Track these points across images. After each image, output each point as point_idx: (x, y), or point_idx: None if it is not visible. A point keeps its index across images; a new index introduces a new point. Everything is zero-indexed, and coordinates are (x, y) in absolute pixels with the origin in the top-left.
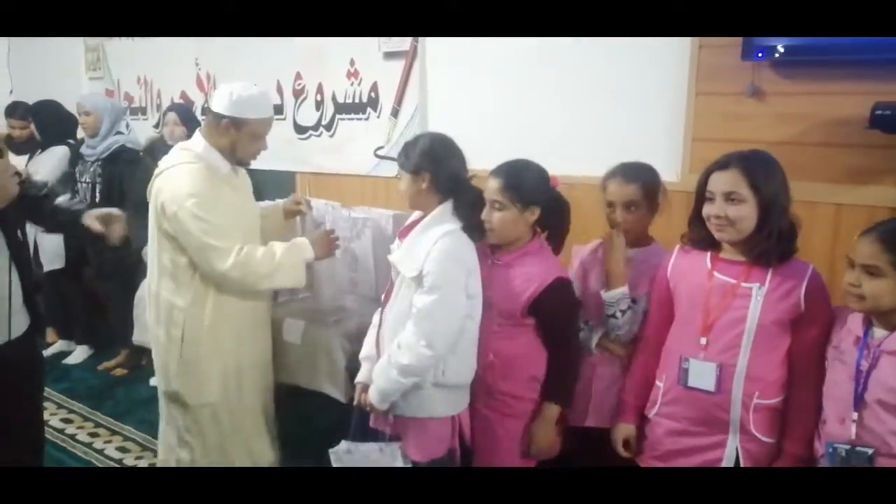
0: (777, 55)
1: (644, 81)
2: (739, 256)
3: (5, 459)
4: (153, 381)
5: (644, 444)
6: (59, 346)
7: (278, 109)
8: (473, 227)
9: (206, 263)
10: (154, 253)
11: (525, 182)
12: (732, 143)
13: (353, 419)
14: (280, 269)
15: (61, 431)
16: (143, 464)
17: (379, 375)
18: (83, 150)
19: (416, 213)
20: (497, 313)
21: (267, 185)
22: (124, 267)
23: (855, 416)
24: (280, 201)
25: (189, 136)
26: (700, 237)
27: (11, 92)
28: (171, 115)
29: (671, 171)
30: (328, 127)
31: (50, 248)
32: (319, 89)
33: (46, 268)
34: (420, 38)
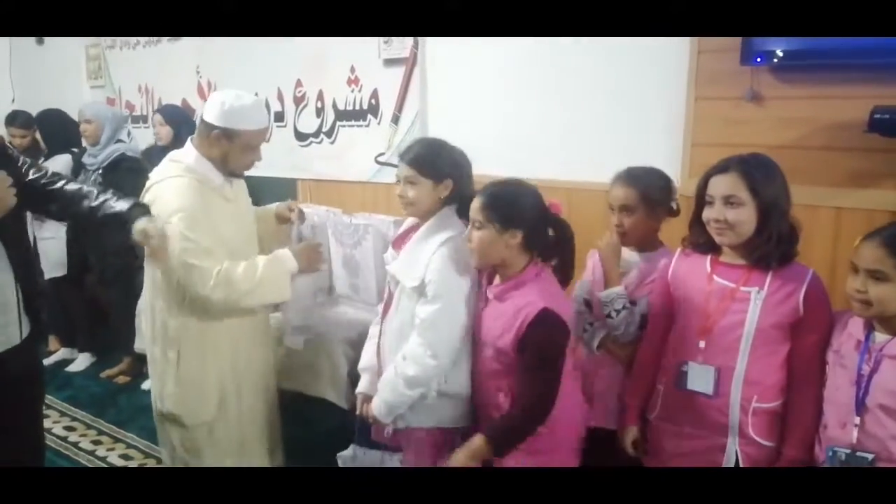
0: (776, 59)
1: (644, 86)
2: (739, 260)
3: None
4: (145, 385)
5: (647, 446)
6: (61, 353)
7: (279, 116)
8: None
9: (190, 285)
10: (148, 269)
11: (505, 202)
12: (732, 147)
13: (357, 426)
14: (262, 283)
15: (64, 439)
16: None
17: (385, 388)
18: (85, 158)
19: (410, 221)
20: (495, 351)
21: (268, 192)
22: (126, 274)
23: (857, 420)
24: (274, 205)
25: (175, 135)
26: (700, 241)
27: (13, 100)
28: (157, 117)
29: (671, 175)
30: (329, 134)
31: (52, 256)
32: (320, 96)
33: (48, 275)
34: (420, 45)
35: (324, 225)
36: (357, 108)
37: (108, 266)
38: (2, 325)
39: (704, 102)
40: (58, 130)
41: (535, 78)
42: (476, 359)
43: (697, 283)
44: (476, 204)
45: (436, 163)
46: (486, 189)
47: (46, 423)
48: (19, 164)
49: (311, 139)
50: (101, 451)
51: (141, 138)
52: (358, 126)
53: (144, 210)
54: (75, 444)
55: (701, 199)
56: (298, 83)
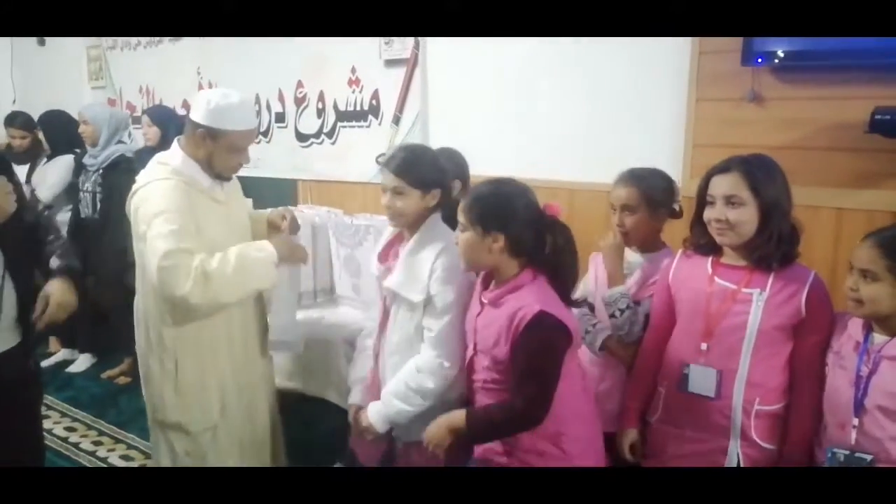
0: (777, 60)
1: (645, 87)
2: (741, 261)
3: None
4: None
5: (646, 449)
6: (62, 354)
7: (280, 117)
8: None
9: (167, 287)
10: (140, 275)
11: (487, 204)
12: (733, 148)
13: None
14: (239, 271)
15: (65, 440)
16: None
17: (394, 401)
18: (85, 159)
19: (391, 230)
20: (491, 361)
21: (269, 193)
22: (127, 275)
23: (855, 421)
24: (269, 211)
25: (163, 136)
26: (701, 242)
27: (14, 101)
28: (144, 118)
29: (673, 176)
30: (330, 134)
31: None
32: (321, 97)
33: None
34: (421, 46)
35: (325, 225)
36: (358, 108)
37: (109, 267)
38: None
39: (705, 103)
40: (61, 131)
41: (535, 79)
42: (471, 369)
43: (698, 285)
44: (461, 205)
45: (424, 172)
46: (473, 189)
47: (47, 424)
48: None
49: (312, 140)
50: (101, 452)
51: (141, 139)
52: (359, 127)
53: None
54: (76, 445)
55: (702, 200)
56: (299, 84)
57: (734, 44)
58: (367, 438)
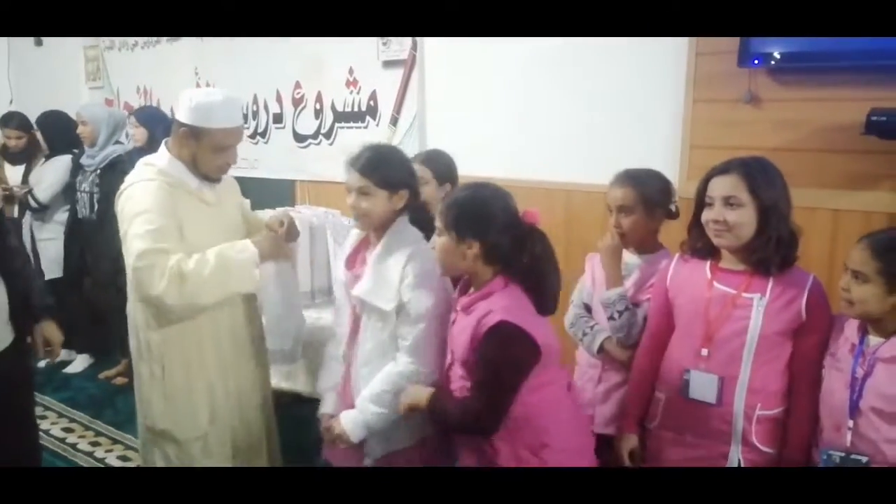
0: (773, 62)
1: (642, 89)
2: (739, 265)
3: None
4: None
5: (645, 454)
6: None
7: (277, 118)
8: (431, 233)
9: (142, 288)
10: (130, 280)
11: (462, 209)
12: (730, 149)
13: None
14: (217, 272)
15: (62, 441)
16: None
17: (372, 407)
18: (83, 160)
19: (356, 235)
20: (463, 370)
21: (267, 193)
22: (124, 275)
23: (850, 423)
24: (268, 213)
25: (151, 137)
26: (698, 245)
27: (11, 101)
28: (131, 119)
29: (669, 177)
30: (327, 135)
31: (50, 257)
32: (319, 98)
33: (47, 276)
34: (418, 47)
35: (322, 226)
36: (356, 109)
37: (106, 268)
38: None
39: (702, 105)
40: (60, 132)
41: (533, 80)
42: (448, 379)
43: (697, 290)
44: (439, 208)
45: (391, 172)
46: (451, 194)
47: (45, 425)
48: None
49: (310, 140)
50: (99, 453)
51: None
52: (357, 128)
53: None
54: (73, 446)
55: (700, 202)
56: (297, 85)
57: (731, 45)
58: (339, 447)
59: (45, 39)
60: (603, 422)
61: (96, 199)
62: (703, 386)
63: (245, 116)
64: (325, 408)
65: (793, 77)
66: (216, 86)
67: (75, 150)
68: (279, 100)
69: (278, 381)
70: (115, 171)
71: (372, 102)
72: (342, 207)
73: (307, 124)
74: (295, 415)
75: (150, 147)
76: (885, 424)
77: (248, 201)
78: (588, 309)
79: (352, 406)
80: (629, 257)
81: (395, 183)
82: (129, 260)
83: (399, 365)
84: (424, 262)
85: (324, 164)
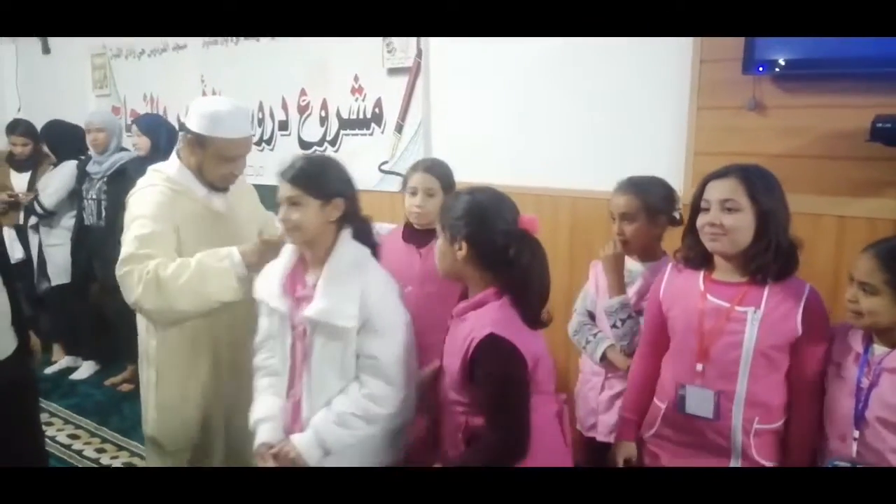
0: (778, 69)
1: (646, 96)
2: (734, 277)
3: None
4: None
5: (641, 464)
6: (65, 361)
7: (283, 125)
8: (377, 249)
9: (124, 292)
10: None
11: (454, 211)
12: (734, 156)
13: None
14: (196, 279)
15: (68, 447)
16: None
17: (335, 428)
18: (90, 167)
19: (291, 253)
20: (450, 378)
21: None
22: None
23: (856, 434)
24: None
25: (154, 145)
26: (692, 254)
27: (19, 109)
28: (133, 128)
29: (673, 184)
30: (333, 142)
31: (58, 263)
32: (324, 105)
33: (54, 282)
34: (423, 55)
35: None
36: (361, 116)
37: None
38: None
39: (706, 112)
40: (65, 140)
41: (537, 88)
42: (438, 388)
43: (690, 302)
44: (438, 210)
45: (322, 179)
46: (448, 197)
47: (51, 432)
48: None
49: (315, 148)
50: (105, 459)
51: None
52: (362, 135)
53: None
54: (79, 452)
55: (696, 208)
56: (302, 92)
57: (735, 52)
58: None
59: (53, 47)
60: (606, 430)
61: (104, 206)
62: (699, 401)
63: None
64: (262, 437)
65: (797, 84)
66: (222, 93)
67: (81, 157)
68: (284, 107)
69: None
70: (123, 178)
71: (377, 110)
72: None
73: (312, 131)
74: None
75: (154, 155)
76: (891, 434)
77: (271, 213)
78: (592, 317)
79: (298, 431)
80: (632, 265)
81: (328, 191)
82: (117, 265)
83: (368, 387)
84: (384, 276)
85: None
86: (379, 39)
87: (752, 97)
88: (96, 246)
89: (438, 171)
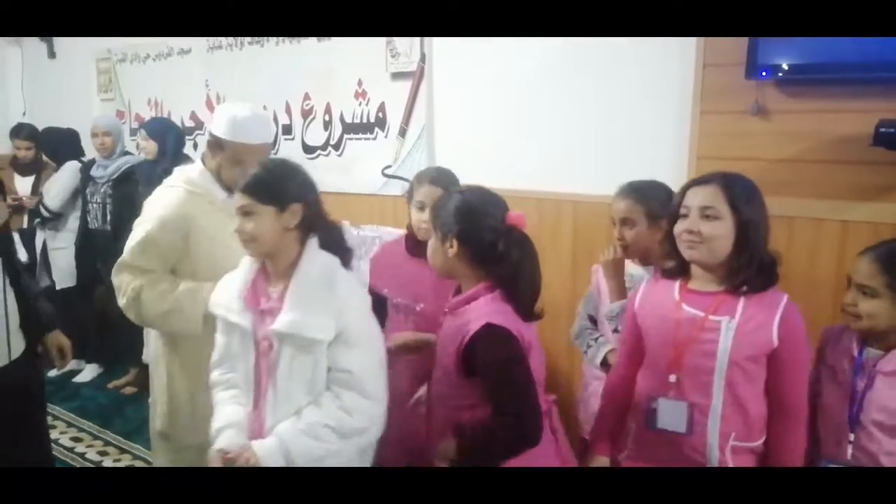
0: (781, 74)
1: (649, 101)
2: (710, 286)
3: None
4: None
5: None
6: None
7: (287, 129)
8: (348, 258)
9: (117, 297)
10: None
11: (444, 210)
12: (738, 161)
13: None
14: (172, 312)
15: (71, 450)
16: None
17: (303, 438)
18: (94, 171)
19: (249, 264)
20: (443, 371)
21: None
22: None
23: (851, 437)
24: None
25: (160, 149)
26: (669, 264)
27: (25, 113)
28: (141, 132)
29: (676, 189)
30: (336, 146)
31: (63, 266)
32: (328, 109)
33: (59, 286)
34: (427, 59)
35: None
36: (364, 121)
37: None
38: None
39: (709, 116)
40: (61, 145)
41: (540, 92)
42: (430, 383)
43: (665, 312)
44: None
45: (275, 186)
46: (439, 196)
47: (54, 434)
48: None
49: (319, 152)
50: (107, 462)
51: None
52: (365, 139)
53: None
54: (82, 455)
55: (676, 214)
56: (306, 96)
57: (738, 57)
58: None
59: (59, 52)
60: None
61: (108, 210)
62: (671, 414)
63: None
64: (222, 443)
65: (800, 89)
66: (226, 98)
67: (82, 158)
68: (288, 111)
69: None
70: (129, 182)
71: (380, 114)
72: (351, 218)
73: (316, 136)
74: None
75: (161, 159)
76: (885, 437)
77: None
78: (594, 321)
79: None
80: (634, 269)
81: (283, 197)
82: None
83: (343, 399)
84: (356, 286)
85: (332, 175)
86: (382, 44)
87: (756, 102)
88: (101, 249)
89: (444, 181)
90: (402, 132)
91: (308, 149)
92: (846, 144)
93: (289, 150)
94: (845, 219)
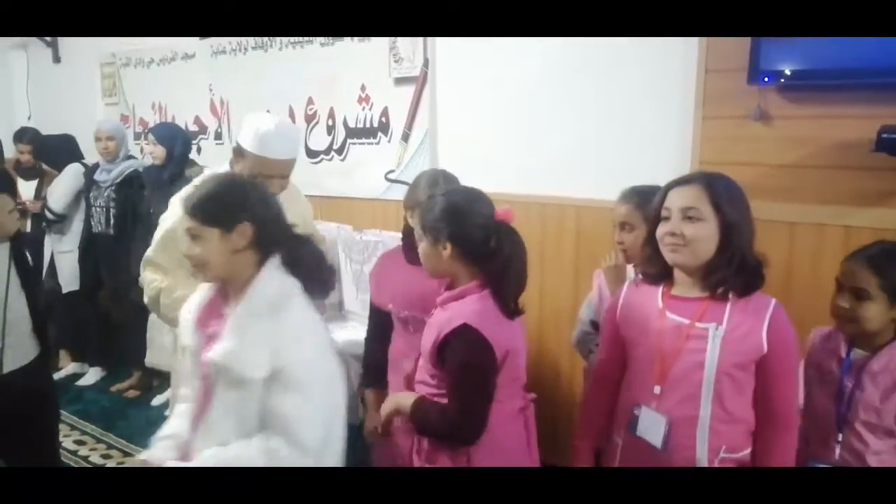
0: (783, 79)
1: (651, 106)
2: (694, 292)
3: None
4: (155, 401)
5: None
6: (71, 367)
7: None
8: (316, 284)
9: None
10: None
11: (433, 213)
12: (739, 166)
13: None
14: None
15: (74, 453)
16: None
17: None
18: (97, 175)
19: (205, 289)
20: (425, 361)
21: None
22: (139, 289)
23: (840, 437)
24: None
25: (167, 154)
26: (652, 265)
27: (30, 117)
28: (149, 137)
29: None
30: (339, 151)
31: (68, 270)
32: (331, 114)
33: (65, 289)
34: (430, 64)
35: (334, 241)
36: (367, 125)
37: (121, 281)
38: (13, 344)
39: (712, 121)
40: (58, 152)
41: (543, 97)
42: (415, 370)
43: (648, 321)
44: (416, 214)
45: (219, 206)
46: (426, 200)
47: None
48: None
49: (322, 156)
50: (110, 465)
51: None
52: (368, 144)
53: None
54: (85, 458)
55: (657, 216)
56: (310, 101)
57: (740, 62)
58: None
59: (63, 56)
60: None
61: (112, 214)
62: (650, 426)
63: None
64: (145, 454)
65: (802, 94)
66: (231, 102)
67: (83, 161)
68: (292, 115)
69: None
70: (132, 186)
71: (384, 119)
72: (354, 223)
73: (319, 140)
74: None
75: (169, 163)
76: (872, 437)
77: (315, 226)
78: (595, 326)
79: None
80: (634, 274)
81: (227, 217)
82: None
83: (271, 443)
84: (305, 315)
85: (336, 179)
86: (385, 49)
87: (758, 107)
88: (104, 253)
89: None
90: (406, 137)
91: (311, 153)
92: (848, 150)
93: None
94: (847, 224)
